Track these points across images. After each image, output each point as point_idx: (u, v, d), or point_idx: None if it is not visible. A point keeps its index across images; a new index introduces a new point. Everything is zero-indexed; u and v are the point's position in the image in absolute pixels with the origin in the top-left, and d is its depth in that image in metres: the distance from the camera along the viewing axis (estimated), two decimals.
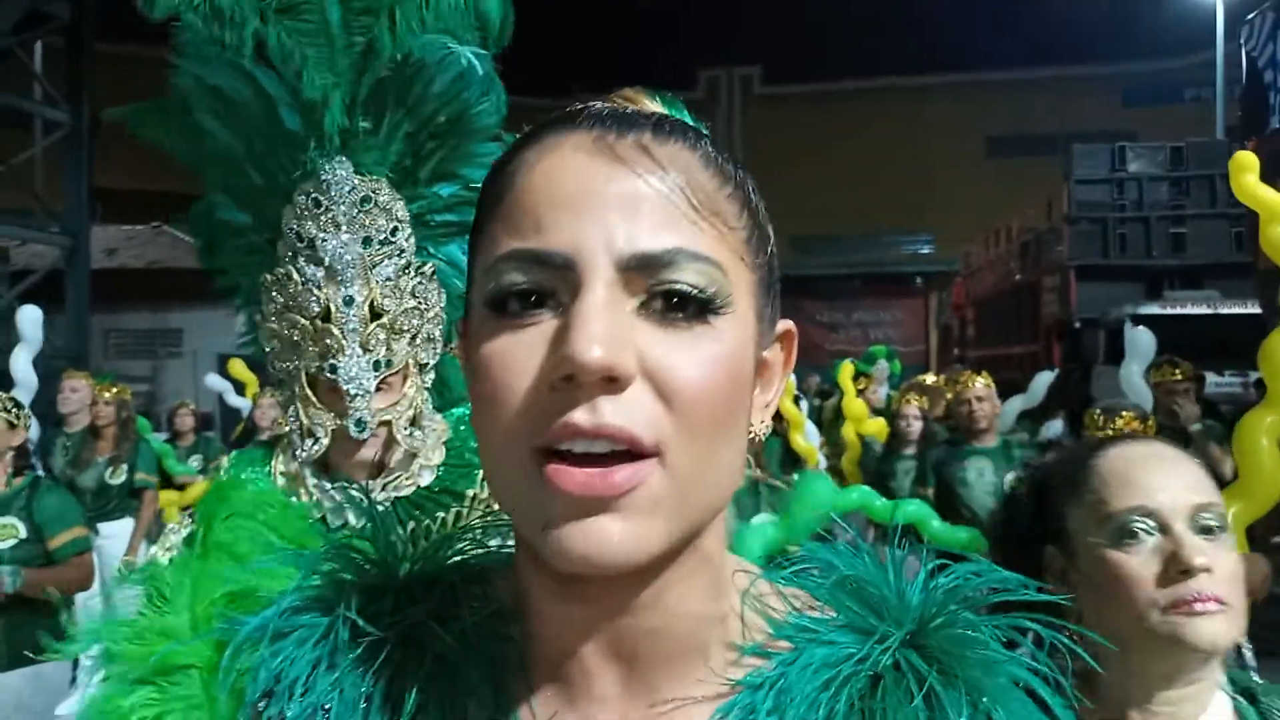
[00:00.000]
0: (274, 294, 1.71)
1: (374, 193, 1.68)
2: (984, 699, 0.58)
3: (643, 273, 0.54)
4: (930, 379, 7.33)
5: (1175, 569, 1.08)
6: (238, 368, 8.68)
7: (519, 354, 0.54)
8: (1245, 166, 3.64)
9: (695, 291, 0.55)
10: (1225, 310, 11.49)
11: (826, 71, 33.93)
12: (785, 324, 0.65)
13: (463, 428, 1.79)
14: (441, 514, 1.68)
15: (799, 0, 36.10)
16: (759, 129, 33.57)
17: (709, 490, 0.56)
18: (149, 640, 1.33)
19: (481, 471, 1.64)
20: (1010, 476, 4.35)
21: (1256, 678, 1.19)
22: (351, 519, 1.68)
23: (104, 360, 13.78)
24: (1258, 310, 9.60)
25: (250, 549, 1.42)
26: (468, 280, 0.62)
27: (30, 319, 6.19)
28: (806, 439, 5.99)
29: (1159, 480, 1.13)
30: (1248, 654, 1.08)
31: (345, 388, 1.63)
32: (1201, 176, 13.52)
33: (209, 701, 1.30)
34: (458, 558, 0.69)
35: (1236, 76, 13.23)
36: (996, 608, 0.64)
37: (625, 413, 0.52)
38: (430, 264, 1.75)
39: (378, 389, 1.66)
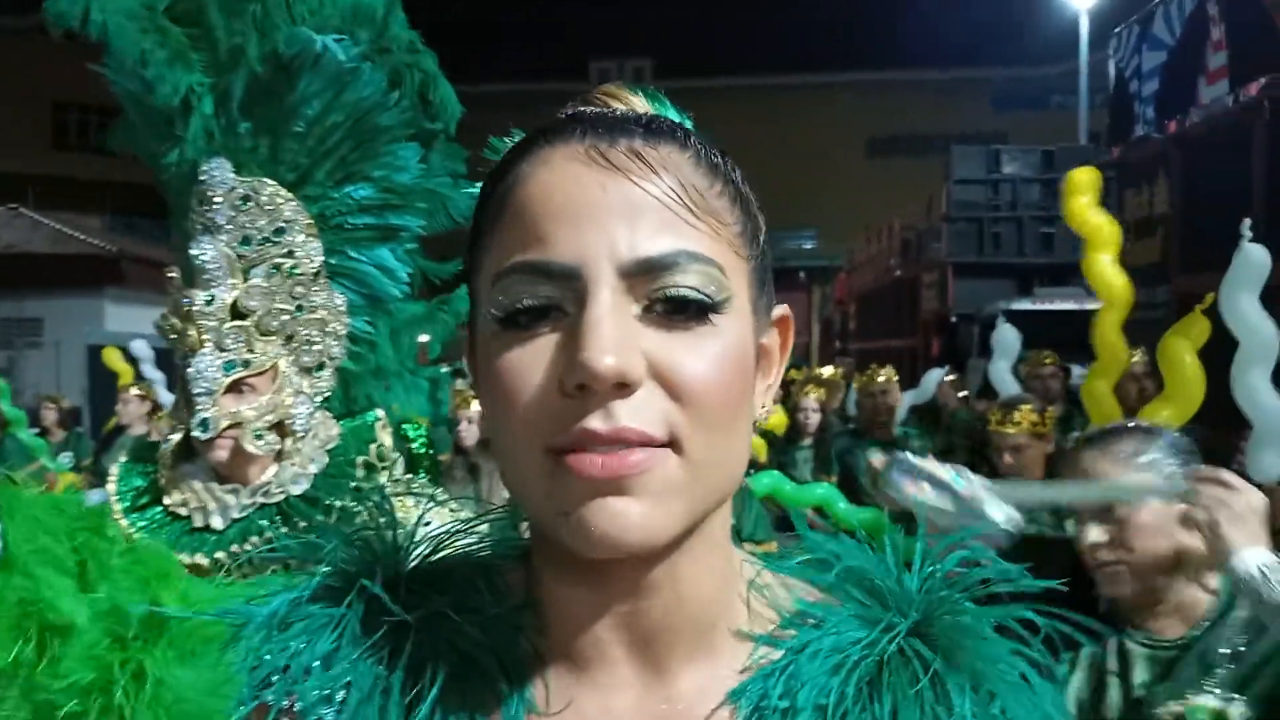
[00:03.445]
0: (169, 293, 1.71)
1: (255, 192, 1.68)
2: (984, 684, 0.62)
3: (645, 277, 0.56)
4: (828, 372, 7.55)
5: (1083, 548, 1.66)
6: (113, 358, 8.20)
7: (529, 363, 0.56)
8: (1080, 187, 3.84)
9: (696, 294, 0.57)
10: (1090, 306, 12.15)
11: (715, 67, 34.40)
12: (781, 309, 0.67)
13: (348, 439, 1.77)
14: (302, 525, 1.66)
15: None
16: None
17: (722, 475, 0.59)
18: None
19: (352, 484, 1.68)
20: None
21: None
22: (215, 521, 1.64)
23: None
24: None
25: (39, 554, 1.38)
26: (470, 293, 0.63)
27: None
28: None
29: None
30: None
31: (190, 387, 1.61)
32: None
33: (19, 698, 1.31)
34: (463, 552, 0.69)
35: (1099, 85, 14.03)
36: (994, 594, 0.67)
37: (639, 415, 0.55)
38: (319, 265, 1.73)
39: (235, 391, 1.64)
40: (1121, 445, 1.68)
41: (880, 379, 4.65)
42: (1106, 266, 3.66)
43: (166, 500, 1.68)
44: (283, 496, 1.67)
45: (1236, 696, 1.50)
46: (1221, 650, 1.53)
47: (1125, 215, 8.00)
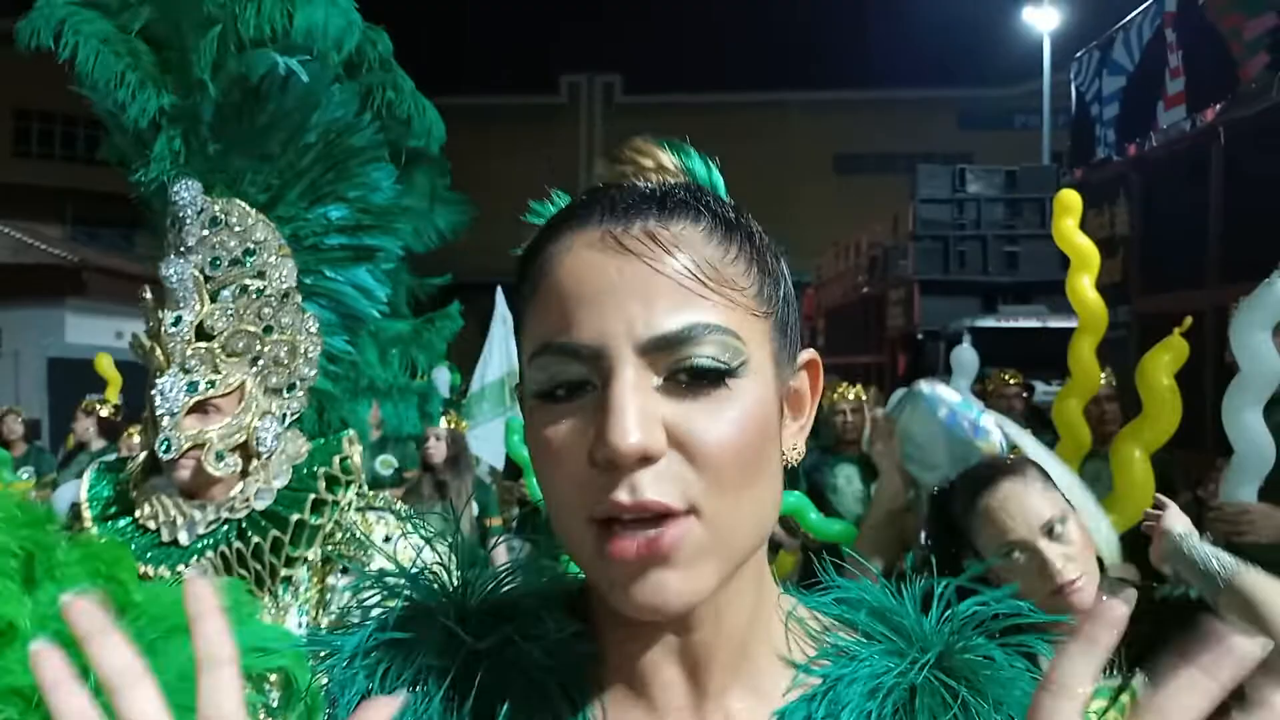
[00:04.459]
0: (142, 311, 1.72)
1: (224, 214, 1.69)
2: (1004, 707, 0.68)
3: (664, 351, 0.60)
4: None
5: (1047, 573, 1.63)
6: (105, 365, 8.01)
7: (565, 436, 0.62)
8: (1068, 209, 3.90)
9: (712, 363, 0.61)
10: (1053, 324, 12.37)
11: (685, 83, 34.66)
12: (808, 353, 0.71)
13: (314, 453, 1.77)
14: (257, 539, 1.66)
15: (662, 13, 36.72)
16: (618, 136, 33.76)
17: (746, 530, 0.64)
18: None
19: (311, 496, 1.69)
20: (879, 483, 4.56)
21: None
22: (182, 537, 1.64)
23: None
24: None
25: None
26: (519, 356, 0.68)
27: None
28: None
29: (1016, 516, 1.68)
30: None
31: (154, 407, 1.62)
32: (1032, 199, 14.55)
33: None
34: (524, 586, 0.74)
35: (1062, 106, 14.29)
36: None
37: (659, 486, 0.59)
38: (289, 287, 1.73)
39: (200, 411, 1.64)
40: (1030, 474, 1.77)
41: (850, 396, 4.67)
42: (1087, 289, 3.72)
43: (136, 513, 1.69)
44: (246, 511, 1.68)
45: (1138, 672, 1.62)
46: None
47: (1088, 236, 8.15)
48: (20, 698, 1.26)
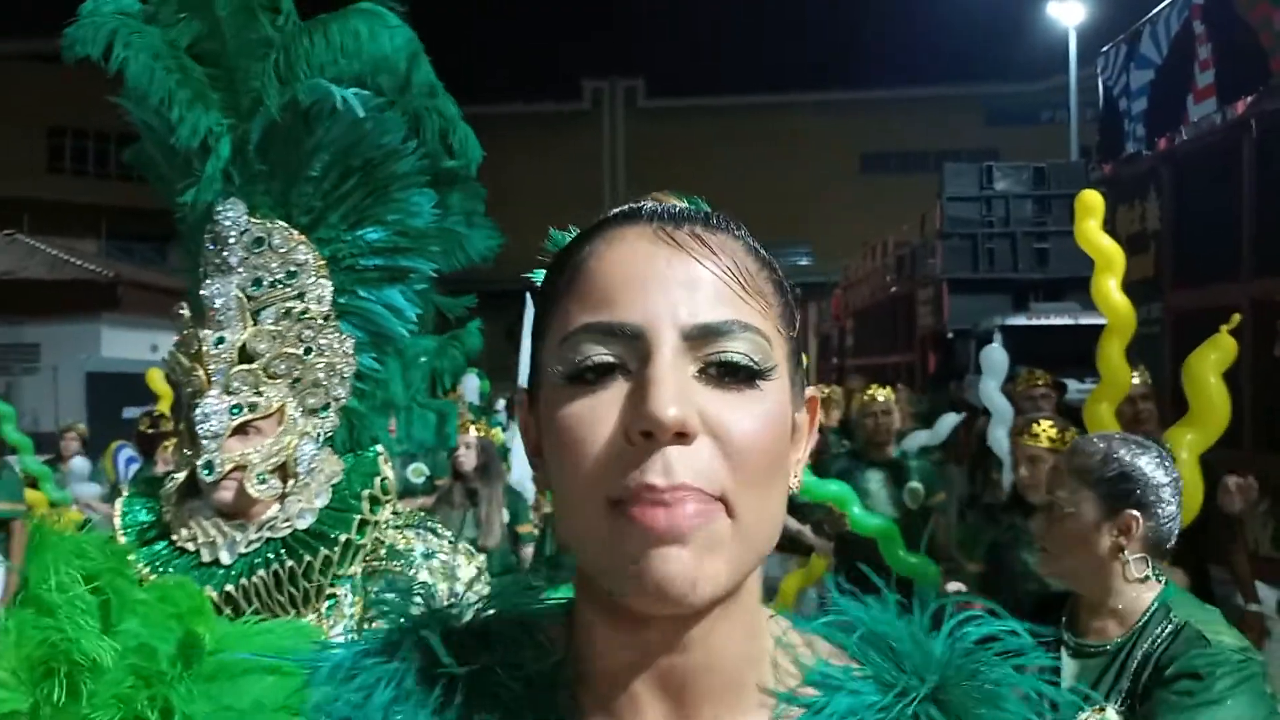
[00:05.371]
0: (178, 329, 1.71)
1: (268, 234, 1.69)
2: None
3: (703, 341, 0.62)
4: (825, 390, 7.50)
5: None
6: (156, 379, 8.03)
7: (595, 414, 0.61)
8: (1090, 210, 3.85)
9: (747, 360, 0.62)
10: (1084, 321, 12.19)
11: (709, 86, 34.63)
12: (810, 390, 0.73)
13: (352, 473, 1.77)
14: (309, 557, 1.67)
15: (684, 16, 36.73)
16: (642, 140, 33.95)
17: (762, 535, 0.63)
18: None
19: (357, 517, 1.69)
20: (909, 486, 4.54)
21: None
22: (224, 556, 1.65)
23: None
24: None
25: (63, 598, 1.33)
26: (535, 351, 0.69)
27: None
28: None
29: (1042, 479, 1.97)
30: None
31: (196, 429, 1.62)
32: (1061, 195, 14.32)
33: None
34: (511, 608, 0.73)
35: (1089, 101, 14.13)
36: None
37: (693, 470, 0.59)
38: (329, 308, 1.74)
39: (241, 432, 1.64)
40: (1079, 463, 1.82)
41: (880, 398, 4.60)
42: (1113, 290, 3.67)
43: (174, 535, 1.69)
44: (289, 531, 1.68)
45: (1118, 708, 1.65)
46: (1138, 660, 1.68)
47: (1119, 231, 8.05)
48: None
